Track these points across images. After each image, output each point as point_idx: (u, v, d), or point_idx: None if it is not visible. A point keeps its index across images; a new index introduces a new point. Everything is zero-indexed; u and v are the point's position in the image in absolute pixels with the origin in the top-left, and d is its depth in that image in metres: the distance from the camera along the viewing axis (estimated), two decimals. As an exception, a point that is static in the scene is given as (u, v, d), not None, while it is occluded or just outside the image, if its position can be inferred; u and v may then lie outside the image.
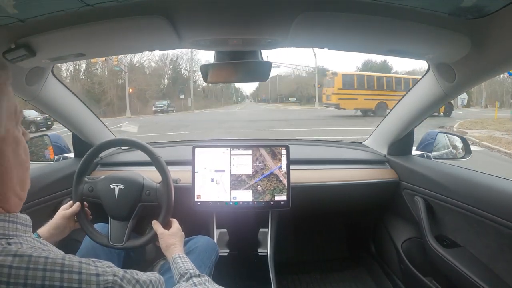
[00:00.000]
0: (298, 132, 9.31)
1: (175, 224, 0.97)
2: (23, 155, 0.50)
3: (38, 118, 12.04)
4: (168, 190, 0.97)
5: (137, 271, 0.55)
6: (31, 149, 1.45)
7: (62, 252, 0.52)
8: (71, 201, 1.01)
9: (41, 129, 11.46)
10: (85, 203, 1.01)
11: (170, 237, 0.90)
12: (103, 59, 19.05)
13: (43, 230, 0.89)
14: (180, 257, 0.82)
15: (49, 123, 12.14)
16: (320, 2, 0.69)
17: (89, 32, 0.76)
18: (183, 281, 0.73)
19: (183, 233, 0.95)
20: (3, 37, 0.75)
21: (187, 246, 1.04)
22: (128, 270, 0.52)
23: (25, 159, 0.51)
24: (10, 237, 0.45)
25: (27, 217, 0.50)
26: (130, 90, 23.41)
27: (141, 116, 20.56)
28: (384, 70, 29.73)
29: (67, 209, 0.97)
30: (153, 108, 23.14)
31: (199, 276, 0.74)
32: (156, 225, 0.94)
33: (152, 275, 0.57)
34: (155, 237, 0.95)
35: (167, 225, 0.96)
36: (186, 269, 0.76)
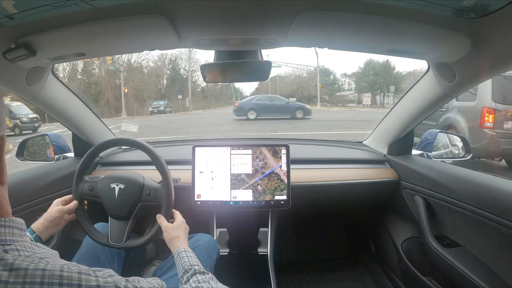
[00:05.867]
0: (303, 136, 9.14)
1: (179, 216, 0.96)
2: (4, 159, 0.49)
3: (24, 119, 10.37)
4: (168, 190, 0.97)
5: (139, 279, 0.54)
6: (32, 148, 1.46)
7: (59, 258, 0.50)
8: (66, 196, 1.00)
9: (26, 131, 9.85)
10: (85, 201, 1.02)
11: (174, 230, 0.90)
12: (99, 58, 18.76)
13: (37, 224, 0.88)
14: (185, 251, 0.81)
15: (36, 125, 10.69)
16: (320, 2, 0.69)
17: (89, 32, 0.76)
18: (187, 277, 0.72)
19: (187, 226, 0.95)
20: (3, 37, 0.75)
21: (188, 243, 1.04)
22: (130, 279, 0.51)
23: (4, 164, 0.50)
24: (8, 243, 0.44)
25: (22, 220, 0.49)
26: (126, 90, 22.93)
27: (137, 117, 19.92)
28: (387, 70, 29.56)
29: (61, 202, 0.97)
30: (150, 109, 22.83)
31: (203, 273, 0.73)
32: (160, 219, 0.94)
33: (155, 282, 0.57)
34: (154, 237, 0.95)
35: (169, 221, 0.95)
36: (191, 265, 0.75)
